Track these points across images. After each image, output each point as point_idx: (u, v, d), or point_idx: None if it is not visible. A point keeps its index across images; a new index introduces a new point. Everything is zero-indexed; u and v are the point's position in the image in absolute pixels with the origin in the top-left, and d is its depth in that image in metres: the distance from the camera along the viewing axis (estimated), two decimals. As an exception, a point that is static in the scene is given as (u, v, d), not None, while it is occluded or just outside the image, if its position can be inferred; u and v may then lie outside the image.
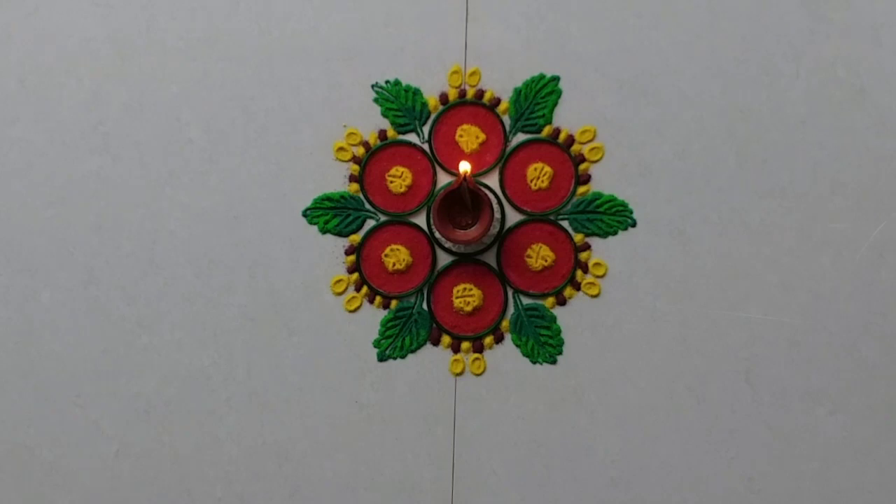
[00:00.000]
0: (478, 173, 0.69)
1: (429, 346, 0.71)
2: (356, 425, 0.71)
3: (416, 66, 0.69)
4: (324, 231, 0.71)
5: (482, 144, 0.70)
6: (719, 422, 0.70)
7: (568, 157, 0.70)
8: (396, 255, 0.70)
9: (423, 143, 0.70)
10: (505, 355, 0.71)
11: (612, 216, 0.70)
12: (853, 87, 0.68)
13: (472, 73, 0.69)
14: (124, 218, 0.71)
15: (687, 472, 0.69)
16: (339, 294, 0.71)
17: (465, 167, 0.61)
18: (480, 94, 0.70)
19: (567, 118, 0.70)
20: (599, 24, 0.68)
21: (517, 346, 0.71)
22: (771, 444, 0.69)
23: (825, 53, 0.68)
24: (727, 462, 0.69)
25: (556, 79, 0.69)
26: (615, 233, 0.70)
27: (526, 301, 0.71)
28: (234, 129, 0.70)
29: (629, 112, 0.69)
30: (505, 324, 0.71)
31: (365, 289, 0.71)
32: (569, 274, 0.70)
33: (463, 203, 0.65)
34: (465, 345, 0.71)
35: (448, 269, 0.71)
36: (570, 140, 0.70)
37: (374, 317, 0.71)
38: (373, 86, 0.70)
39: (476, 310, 0.70)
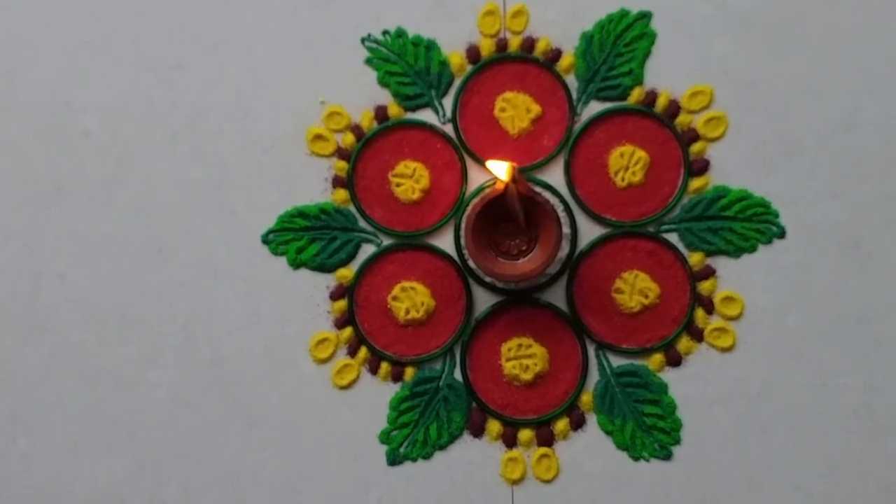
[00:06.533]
0: (531, 166, 0.61)
1: (467, 437, 0.61)
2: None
3: (428, 7, 0.62)
4: (296, 264, 0.62)
5: (536, 122, 0.61)
6: (932, 539, 0.61)
7: (672, 134, 0.61)
8: (411, 298, 0.61)
9: (444, 123, 0.62)
10: (589, 448, 0.61)
11: (746, 223, 0.60)
12: None
13: (516, 14, 0.61)
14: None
15: None
16: (324, 361, 0.62)
17: (504, 170, 0.53)
18: (530, 44, 0.61)
19: (666, 76, 0.61)
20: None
21: (608, 433, 0.61)
22: None
23: None
24: None
25: (646, 16, 0.61)
26: (753, 249, 0.60)
27: (618, 362, 0.62)
28: (152, 116, 0.63)
29: (762, 63, 0.61)
30: (586, 398, 0.61)
31: (364, 351, 0.62)
32: (683, 316, 0.61)
33: (511, 215, 0.57)
34: (526, 434, 0.61)
35: (492, 315, 0.62)
36: (675, 108, 0.61)
37: (379, 395, 0.62)
38: (363, 39, 0.62)
39: (539, 378, 0.61)
